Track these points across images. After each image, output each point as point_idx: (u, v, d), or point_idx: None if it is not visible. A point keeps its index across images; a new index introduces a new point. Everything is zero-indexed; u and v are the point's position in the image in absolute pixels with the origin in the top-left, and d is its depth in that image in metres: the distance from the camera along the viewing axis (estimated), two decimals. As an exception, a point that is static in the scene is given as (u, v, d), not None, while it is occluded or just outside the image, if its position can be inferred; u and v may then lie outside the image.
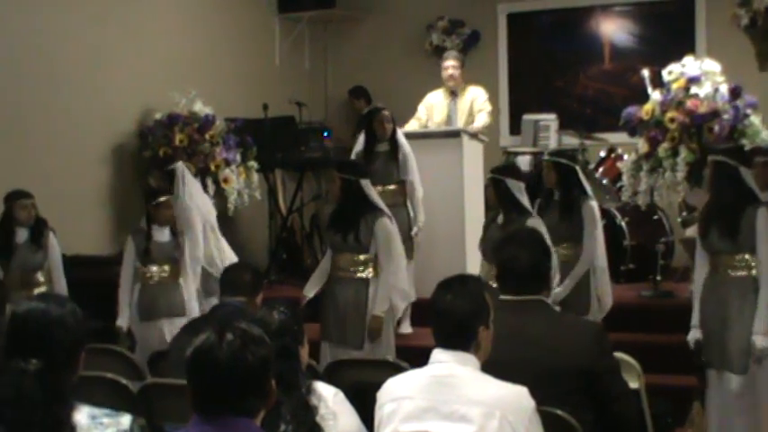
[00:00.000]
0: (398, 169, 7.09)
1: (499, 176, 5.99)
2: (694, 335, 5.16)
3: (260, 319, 3.11)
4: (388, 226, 5.94)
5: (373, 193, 6.11)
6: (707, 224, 5.08)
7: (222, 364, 2.38)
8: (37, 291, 6.18)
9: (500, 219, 5.99)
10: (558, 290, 5.83)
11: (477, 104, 7.92)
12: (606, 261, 6.15)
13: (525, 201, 5.94)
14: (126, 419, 2.65)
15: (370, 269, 5.92)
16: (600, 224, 6.15)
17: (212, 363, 2.39)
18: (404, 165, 7.06)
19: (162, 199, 6.38)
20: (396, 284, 5.94)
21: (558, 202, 6.07)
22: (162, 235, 6.36)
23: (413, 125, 7.92)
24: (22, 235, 6.27)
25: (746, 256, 4.95)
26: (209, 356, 2.40)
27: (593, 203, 6.07)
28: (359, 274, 5.91)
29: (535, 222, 5.68)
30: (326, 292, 6.03)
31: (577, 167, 6.16)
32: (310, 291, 6.10)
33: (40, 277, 6.31)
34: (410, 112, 8.07)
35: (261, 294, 4.64)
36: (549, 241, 5.48)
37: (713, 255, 5.09)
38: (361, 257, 5.90)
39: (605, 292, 6.05)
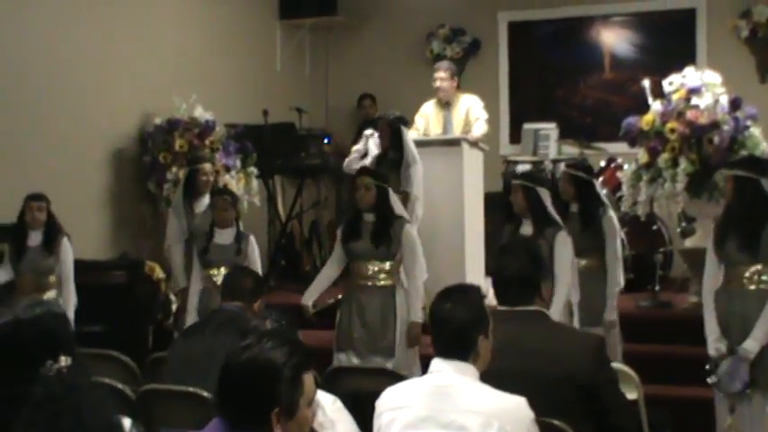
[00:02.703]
0: (401, 180, 6.99)
1: (530, 184, 5.81)
2: (718, 348, 4.96)
3: (254, 328, 3.11)
4: (413, 233, 5.97)
5: (396, 200, 6.15)
6: (723, 234, 5.01)
7: (233, 367, 2.41)
8: (48, 294, 6.17)
9: (525, 229, 5.79)
10: (608, 314, 5.89)
11: (472, 113, 7.86)
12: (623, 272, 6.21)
13: (553, 211, 5.80)
14: (126, 422, 2.66)
15: (394, 276, 5.90)
16: (619, 235, 6.17)
17: (227, 366, 2.40)
18: (404, 175, 6.96)
19: (217, 198, 6.35)
20: (422, 290, 5.93)
21: (578, 214, 6.06)
22: (223, 238, 6.28)
23: (411, 136, 7.86)
24: (35, 238, 6.26)
25: (765, 269, 4.92)
26: (227, 361, 2.42)
27: (613, 214, 6.08)
28: (383, 282, 5.87)
29: (565, 237, 5.60)
30: (348, 302, 5.92)
31: (594, 180, 6.13)
32: (310, 299, 6.03)
33: (51, 281, 6.29)
34: (410, 120, 8.05)
35: (260, 300, 4.63)
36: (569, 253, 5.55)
37: (729, 266, 5.01)
38: (388, 265, 5.87)
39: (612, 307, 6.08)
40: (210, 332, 4.37)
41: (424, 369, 4.32)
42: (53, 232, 6.27)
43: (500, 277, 3.61)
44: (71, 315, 5.99)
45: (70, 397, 2.31)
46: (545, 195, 5.75)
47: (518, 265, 3.57)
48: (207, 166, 7.16)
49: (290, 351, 2.47)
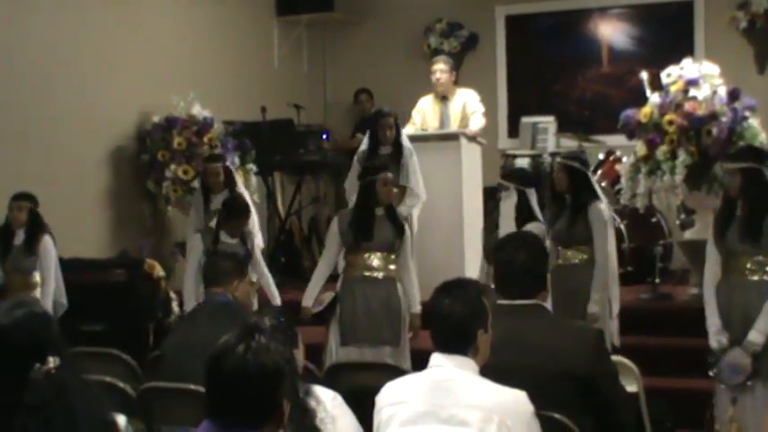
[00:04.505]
0: (399, 174, 7.05)
1: (519, 186, 5.88)
2: (719, 340, 4.95)
3: (252, 325, 3.10)
4: (408, 229, 6.15)
5: None
6: (724, 226, 4.99)
7: (239, 371, 2.35)
8: (36, 293, 6.21)
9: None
10: (591, 307, 5.81)
11: (469, 107, 7.87)
12: (616, 264, 6.14)
13: (537, 209, 5.90)
14: (121, 420, 2.65)
15: (394, 268, 5.99)
16: (611, 227, 6.08)
17: (229, 369, 2.35)
18: (403, 170, 7.03)
19: (234, 215, 6.38)
20: (416, 282, 6.08)
21: (569, 205, 6.03)
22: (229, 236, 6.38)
23: (408, 131, 7.82)
24: (19, 237, 6.30)
25: (766, 260, 4.90)
26: (226, 362, 2.37)
27: (602, 206, 5.98)
28: (386, 273, 5.96)
29: (534, 227, 5.64)
30: (351, 294, 5.97)
31: (588, 171, 6.11)
32: (311, 300, 6.05)
33: (37, 280, 6.31)
34: (408, 114, 8.06)
35: (238, 282, 4.61)
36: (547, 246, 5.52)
37: (730, 256, 4.98)
38: (392, 256, 6.00)
39: (615, 296, 6.02)
40: (204, 322, 4.39)
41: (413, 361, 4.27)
42: (34, 231, 6.27)
43: (509, 269, 3.56)
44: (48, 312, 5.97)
45: (61, 400, 2.28)
46: (531, 195, 5.82)
47: (527, 258, 3.55)
48: (214, 166, 7.15)
49: (284, 342, 2.46)
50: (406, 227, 6.11)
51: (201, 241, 6.34)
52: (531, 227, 5.63)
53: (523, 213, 5.80)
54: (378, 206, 5.98)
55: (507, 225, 5.59)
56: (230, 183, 7.16)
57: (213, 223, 6.43)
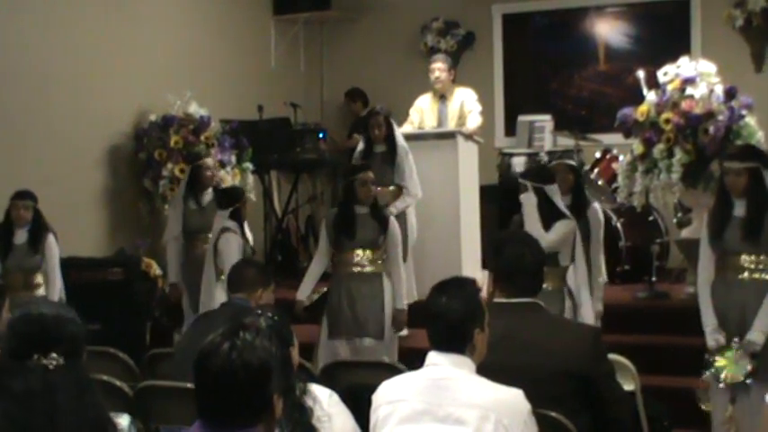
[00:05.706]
0: (395, 173, 7.09)
1: (538, 184, 5.67)
2: (717, 339, 4.93)
3: (240, 323, 3.10)
4: (397, 225, 6.26)
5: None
6: (721, 225, 4.98)
7: (225, 370, 2.33)
8: (37, 292, 6.22)
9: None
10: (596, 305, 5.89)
11: (467, 106, 7.87)
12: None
13: (562, 204, 5.73)
14: (125, 420, 2.65)
15: (380, 263, 6.11)
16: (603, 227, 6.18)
17: (215, 369, 2.33)
18: (398, 169, 7.06)
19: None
20: (404, 278, 6.22)
21: (571, 206, 6.00)
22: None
23: (406, 129, 7.78)
24: (21, 236, 6.29)
25: (764, 259, 4.89)
26: (212, 362, 2.35)
27: (597, 206, 6.12)
28: (372, 269, 6.09)
29: (563, 225, 5.59)
30: (338, 289, 6.11)
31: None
32: (305, 294, 6.24)
33: (39, 279, 6.31)
34: (405, 113, 8.05)
35: (262, 290, 4.64)
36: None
37: (727, 255, 4.96)
38: (375, 253, 6.10)
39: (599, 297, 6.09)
40: (219, 324, 4.39)
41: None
42: (38, 230, 6.28)
43: (518, 267, 3.57)
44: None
45: (47, 396, 2.29)
46: (552, 192, 5.66)
47: (533, 256, 3.59)
48: (209, 161, 7.32)
49: (269, 336, 2.45)
50: (392, 223, 6.18)
51: (240, 239, 6.44)
52: (560, 225, 5.56)
53: (545, 211, 5.60)
54: (358, 205, 6.08)
55: (533, 226, 5.49)
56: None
57: (235, 225, 6.47)
